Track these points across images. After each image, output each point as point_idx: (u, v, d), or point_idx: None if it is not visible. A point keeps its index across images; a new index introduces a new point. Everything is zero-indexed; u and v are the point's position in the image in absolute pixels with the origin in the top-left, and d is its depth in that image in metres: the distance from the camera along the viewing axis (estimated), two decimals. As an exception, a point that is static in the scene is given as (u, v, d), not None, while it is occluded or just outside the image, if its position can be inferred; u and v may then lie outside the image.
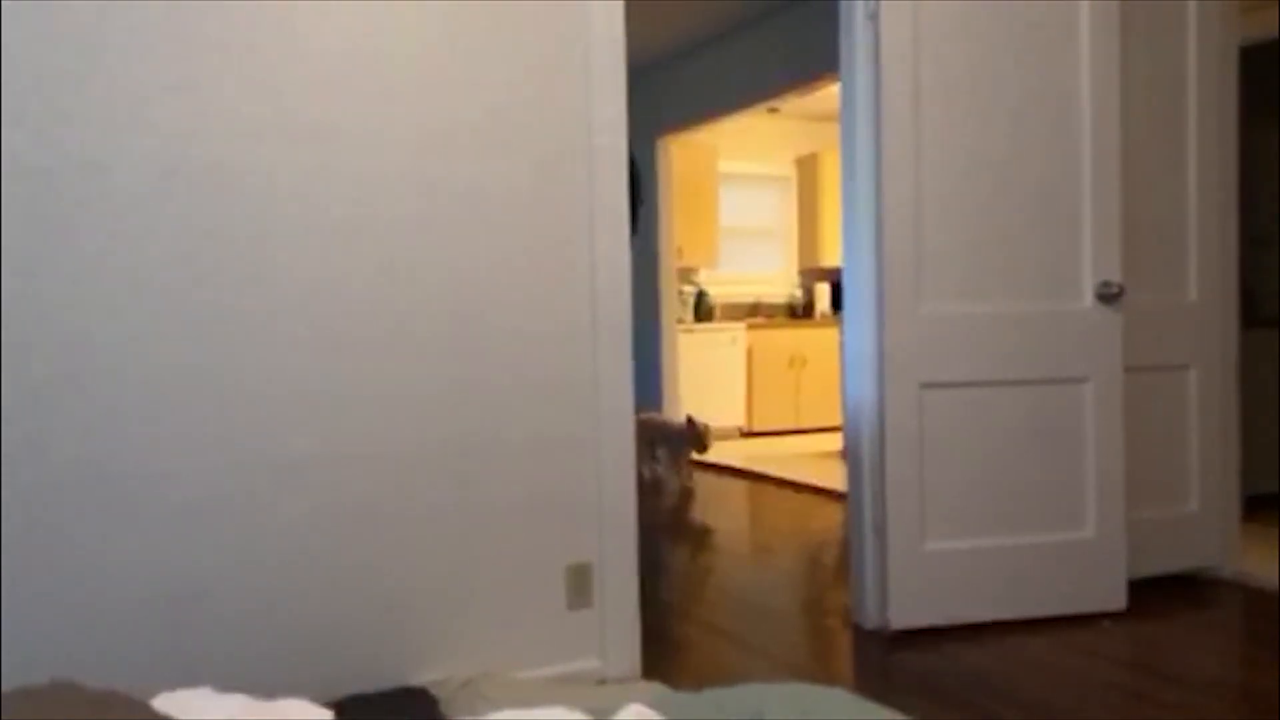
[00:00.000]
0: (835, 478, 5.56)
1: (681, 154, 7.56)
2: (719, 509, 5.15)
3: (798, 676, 2.64)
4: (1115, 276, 3.10)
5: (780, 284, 8.86)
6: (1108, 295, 3.08)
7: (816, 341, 8.21)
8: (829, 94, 6.18)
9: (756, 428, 8.00)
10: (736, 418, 7.94)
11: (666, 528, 4.53)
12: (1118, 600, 3.12)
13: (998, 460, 3.04)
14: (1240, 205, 3.66)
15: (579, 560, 2.55)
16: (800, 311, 8.77)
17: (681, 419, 5.80)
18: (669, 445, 5.73)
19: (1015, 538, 3.05)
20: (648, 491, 5.44)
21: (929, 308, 2.97)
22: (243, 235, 2.18)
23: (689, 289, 8.27)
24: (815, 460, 6.60)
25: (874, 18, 2.93)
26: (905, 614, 2.97)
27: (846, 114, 3.07)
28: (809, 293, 8.84)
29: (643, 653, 2.66)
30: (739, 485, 5.87)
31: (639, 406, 5.21)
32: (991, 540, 3.03)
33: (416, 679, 2.35)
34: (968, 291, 3.01)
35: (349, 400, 2.29)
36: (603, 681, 2.54)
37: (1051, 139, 3.05)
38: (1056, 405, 3.08)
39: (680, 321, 7.65)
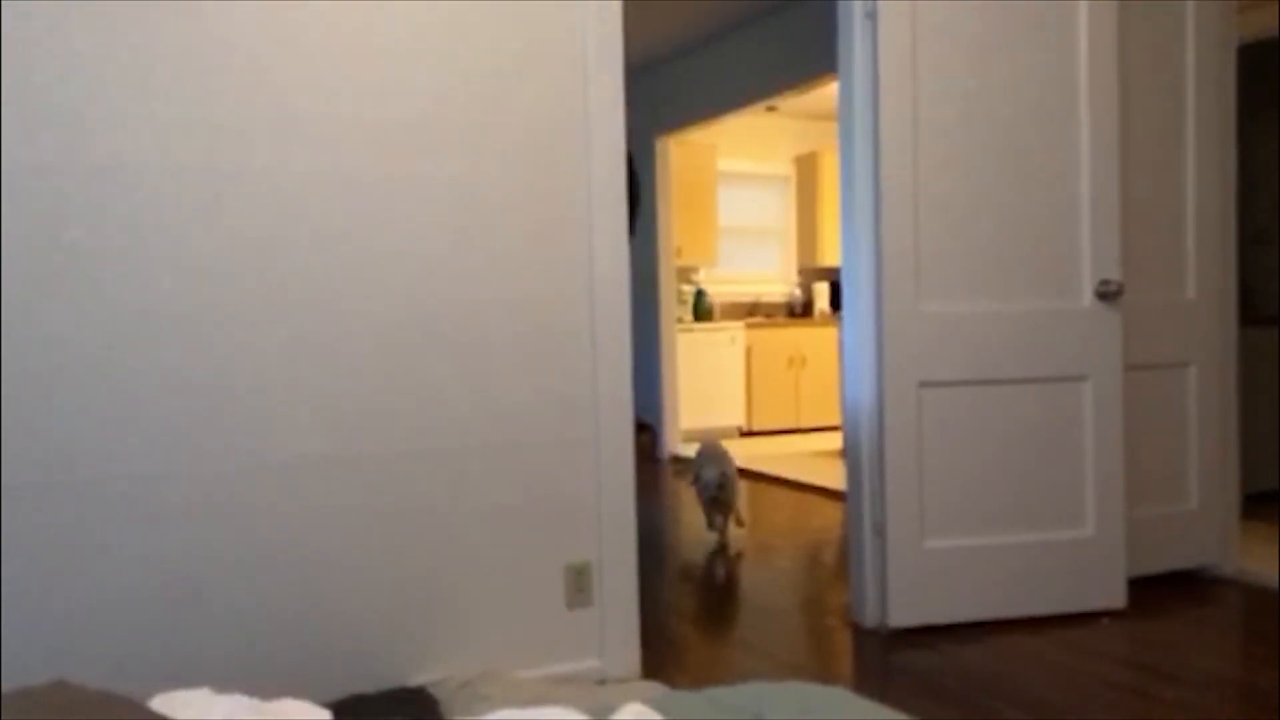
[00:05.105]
0: (835, 477, 5.56)
1: (680, 153, 7.56)
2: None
3: (797, 675, 2.64)
4: (1114, 274, 3.10)
5: (779, 283, 8.86)
6: (1107, 293, 3.08)
7: (816, 340, 8.21)
8: (828, 93, 6.20)
9: (756, 427, 8.00)
10: (736, 417, 7.93)
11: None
12: (1117, 598, 3.12)
13: (997, 458, 3.04)
14: (1239, 203, 3.66)
15: (578, 559, 2.55)
16: (799, 310, 8.77)
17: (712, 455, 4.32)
18: (698, 487, 4.32)
19: (1015, 536, 3.05)
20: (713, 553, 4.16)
21: (928, 306, 2.97)
22: (241, 235, 2.18)
23: (688, 288, 8.26)
24: (815, 459, 6.60)
25: (872, 17, 2.93)
26: (905, 613, 2.97)
27: (845, 113, 3.07)
28: (808, 292, 8.84)
29: (642, 652, 2.66)
30: (739, 484, 5.86)
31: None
32: (991, 539, 3.03)
33: (416, 679, 2.36)
34: (966, 290, 3.01)
35: (348, 400, 2.29)
36: (602, 681, 2.54)
37: (1050, 137, 3.05)
38: (1056, 403, 3.08)
39: (679, 321, 7.65)
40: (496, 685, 2.24)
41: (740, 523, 4.41)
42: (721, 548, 4.16)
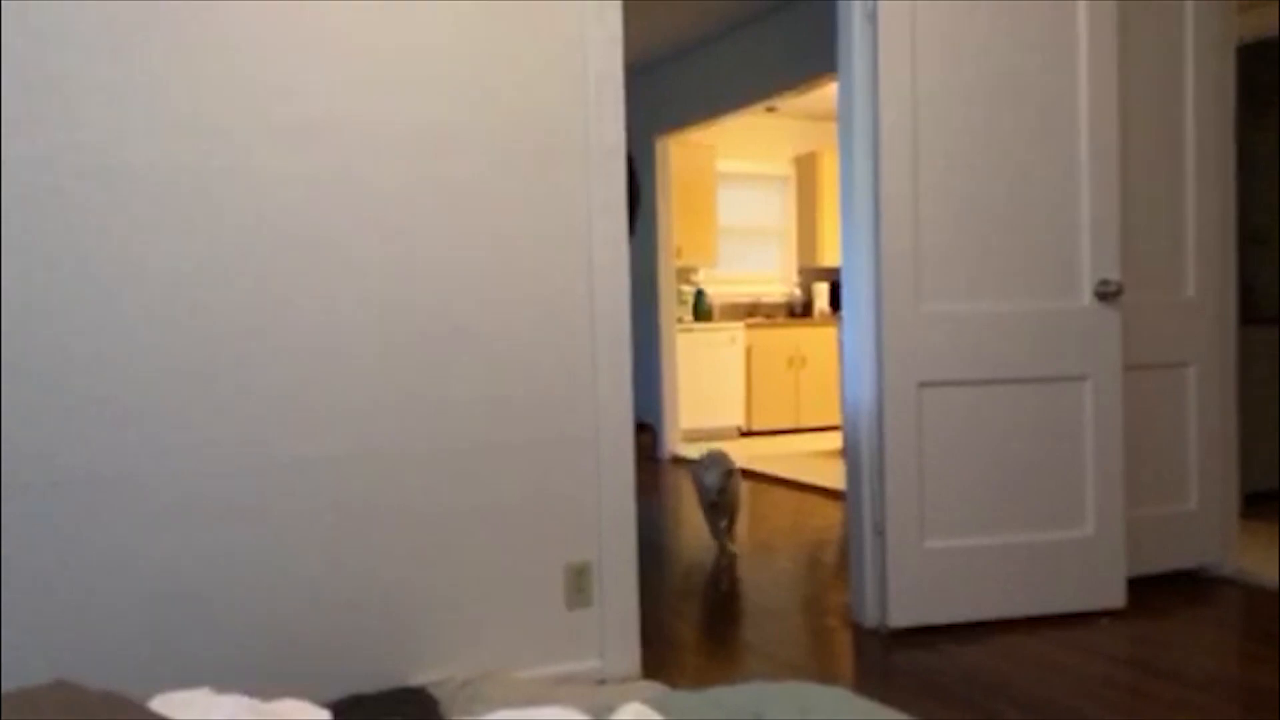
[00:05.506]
0: (835, 477, 5.56)
1: (680, 153, 7.56)
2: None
3: (797, 675, 2.64)
4: (1114, 274, 3.10)
5: (779, 283, 8.86)
6: (1106, 293, 3.08)
7: (815, 341, 8.21)
8: (827, 93, 6.19)
9: (756, 427, 8.00)
10: (736, 417, 7.94)
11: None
12: (1117, 598, 3.12)
13: (997, 458, 3.04)
14: (1238, 202, 3.66)
15: (578, 559, 2.55)
16: (799, 311, 8.78)
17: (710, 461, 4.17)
18: (700, 489, 4.17)
19: (1015, 536, 3.05)
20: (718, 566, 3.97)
21: (927, 306, 2.98)
22: (242, 236, 2.18)
23: (688, 288, 8.27)
24: (815, 459, 6.60)
25: (872, 17, 2.93)
26: (905, 612, 2.97)
27: (844, 113, 3.07)
28: (808, 292, 8.84)
29: (642, 652, 2.66)
30: (741, 490, 5.86)
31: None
32: (991, 538, 3.03)
33: (416, 679, 2.36)
34: (966, 290, 3.01)
35: (348, 401, 2.29)
36: (602, 681, 2.54)
37: (1050, 137, 3.05)
38: (1056, 403, 3.08)
39: (679, 321, 7.65)
40: (496, 685, 2.24)
41: (732, 539, 4.17)
42: (721, 550, 4.15)
